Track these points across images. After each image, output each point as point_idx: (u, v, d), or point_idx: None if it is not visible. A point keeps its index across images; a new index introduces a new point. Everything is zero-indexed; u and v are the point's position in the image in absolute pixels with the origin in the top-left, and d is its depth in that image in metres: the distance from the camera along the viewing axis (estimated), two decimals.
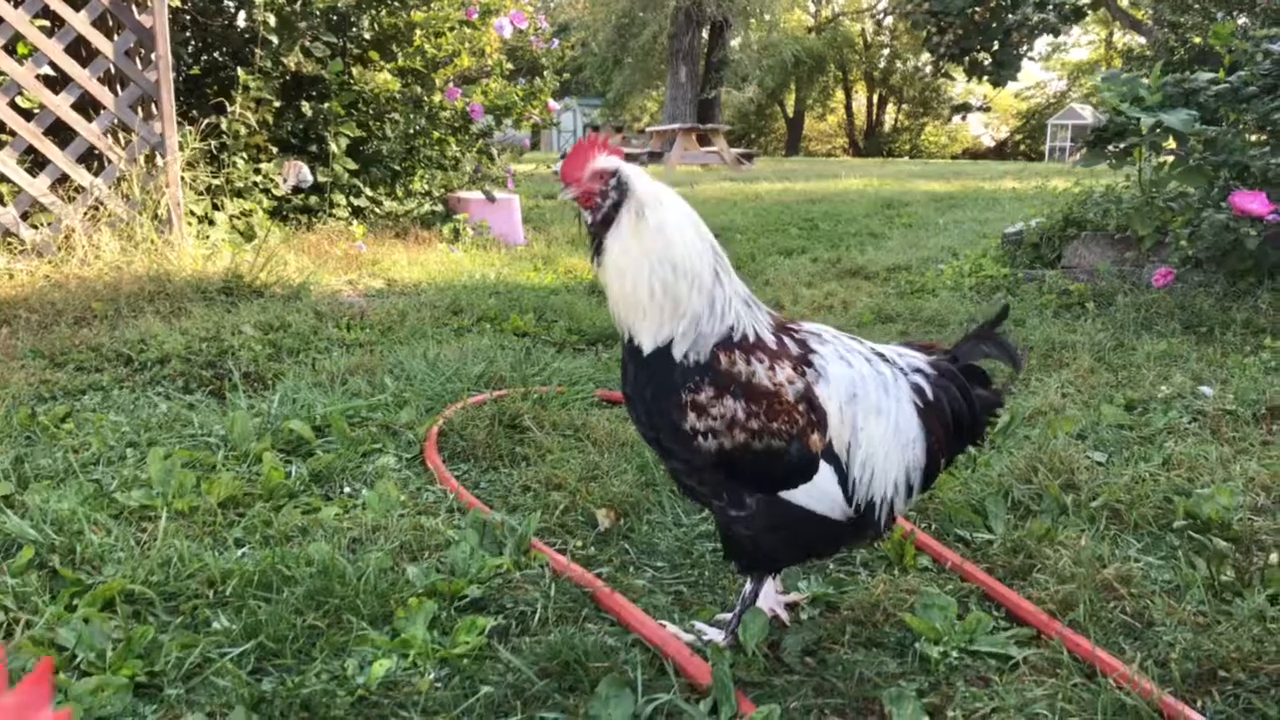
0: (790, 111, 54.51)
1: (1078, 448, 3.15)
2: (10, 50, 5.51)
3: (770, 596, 2.18)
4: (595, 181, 1.94)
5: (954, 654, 2.04)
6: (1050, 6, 17.62)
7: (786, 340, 1.97)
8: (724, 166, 22.97)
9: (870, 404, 1.96)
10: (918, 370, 2.06)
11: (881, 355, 2.05)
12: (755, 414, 1.85)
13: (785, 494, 1.92)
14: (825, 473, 1.91)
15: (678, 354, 1.88)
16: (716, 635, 2.08)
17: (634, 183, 1.94)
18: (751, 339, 1.92)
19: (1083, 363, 4.21)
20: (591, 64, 39.69)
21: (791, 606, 2.24)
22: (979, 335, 2.17)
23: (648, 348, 1.90)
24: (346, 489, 2.89)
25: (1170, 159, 5.93)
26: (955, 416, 2.05)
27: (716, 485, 1.94)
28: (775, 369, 1.89)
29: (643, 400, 1.93)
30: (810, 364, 1.94)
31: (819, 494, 1.91)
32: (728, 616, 2.16)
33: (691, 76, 33.96)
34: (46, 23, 5.73)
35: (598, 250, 1.95)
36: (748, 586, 2.11)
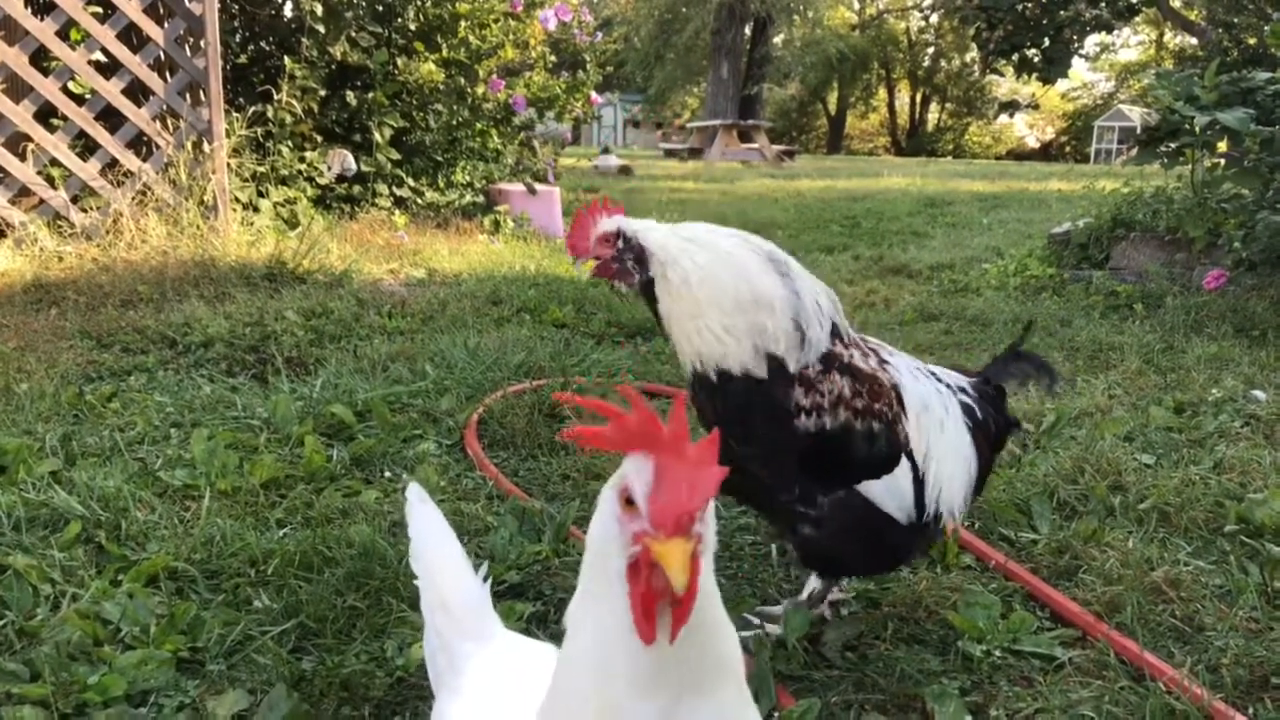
0: (832, 109, 54.18)
1: (1125, 449, 3.09)
2: (63, 36, 5.58)
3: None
4: (604, 247, 1.87)
5: (997, 653, 2.01)
6: (1103, 3, 17.36)
7: (864, 348, 1.97)
8: (765, 163, 22.88)
9: (937, 418, 1.95)
10: (963, 390, 2.06)
11: (934, 373, 2.05)
12: (860, 392, 1.84)
13: (862, 487, 1.88)
14: (905, 467, 1.90)
15: (793, 366, 1.82)
16: (775, 630, 2.06)
17: (644, 238, 1.84)
18: (846, 332, 1.91)
19: (1130, 364, 4.13)
20: (633, 59, 39.66)
21: (833, 602, 2.21)
22: (1009, 356, 2.17)
23: (761, 372, 1.81)
24: (387, 473, 2.90)
25: (1223, 160, 5.82)
26: (997, 437, 2.08)
27: (790, 478, 1.90)
28: (868, 356, 1.89)
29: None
30: (886, 370, 1.95)
31: (895, 489, 1.90)
32: (769, 609, 2.14)
33: (733, 73, 33.88)
34: (99, 9, 5.81)
35: (657, 315, 1.89)
36: (815, 584, 2.11)
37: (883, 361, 1.95)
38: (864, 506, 1.89)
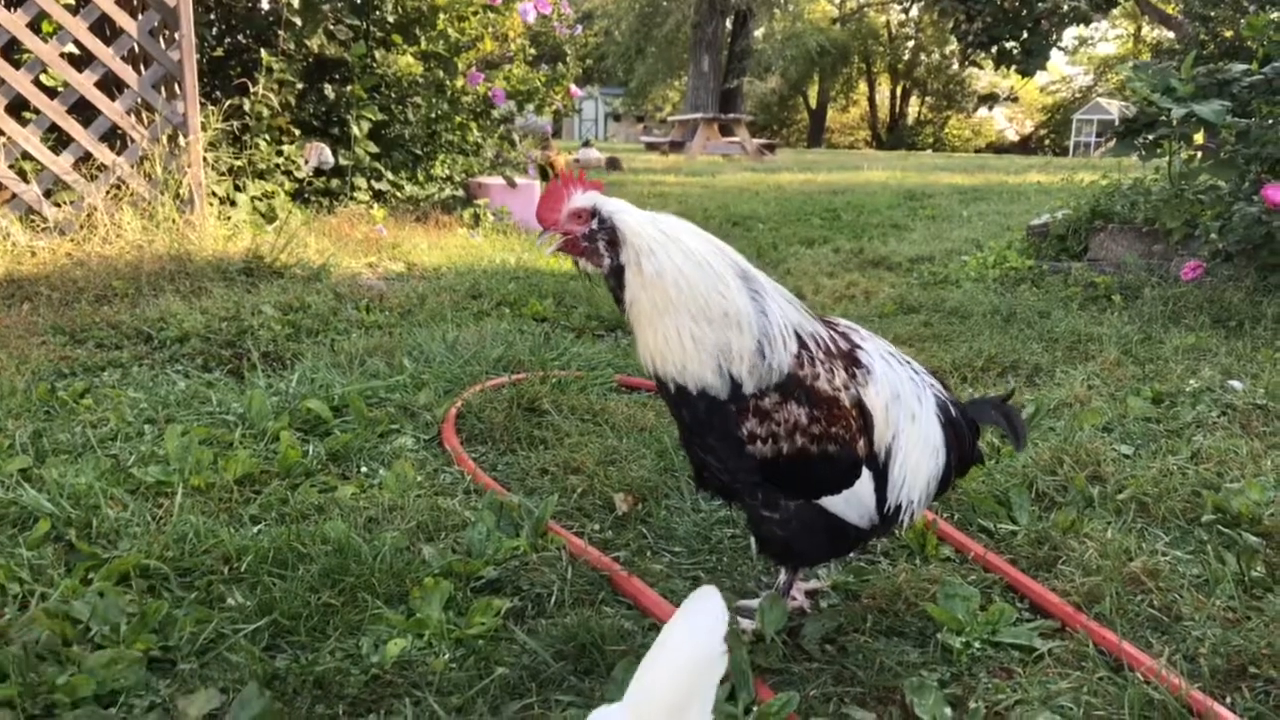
0: (813, 103, 54.26)
1: (1104, 440, 3.10)
2: (35, 28, 5.51)
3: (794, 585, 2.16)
4: (574, 223, 1.80)
5: (976, 645, 2.00)
6: None
7: (834, 335, 1.94)
8: (746, 157, 22.87)
9: (909, 407, 1.94)
10: (934, 387, 2.06)
11: (908, 361, 2.04)
12: (818, 419, 1.81)
13: (823, 500, 1.88)
14: (865, 479, 1.89)
15: (750, 388, 1.78)
16: (749, 625, 2.04)
17: (620, 221, 1.78)
18: (816, 341, 1.87)
19: (1109, 355, 4.15)
20: (614, 52, 39.60)
21: (812, 594, 2.21)
22: (992, 402, 2.17)
23: (723, 393, 1.78)
24: (363, 469, 2.88)
25: (1199, 152, 5.85)
26: (971, 439, 2.08)
27: (752, 486, 1.90)
28: (834, 372, 1.85)
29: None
30: (859, 361, 1.91)
31: (855, 501, 1.89)
32: (747, 603, 2.13)
33: (714, 66, 33.84)
34: (71, 1, 5.73)
35: (619, 301, 1.83)
36: (782, 577, 2.09)
37: (855, 346, 1.92)
38: (826, 514, 1.90)
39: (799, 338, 1.84)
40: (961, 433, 2.05)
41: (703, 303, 1.75)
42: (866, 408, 1.88)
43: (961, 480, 2.16)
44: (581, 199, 1.80)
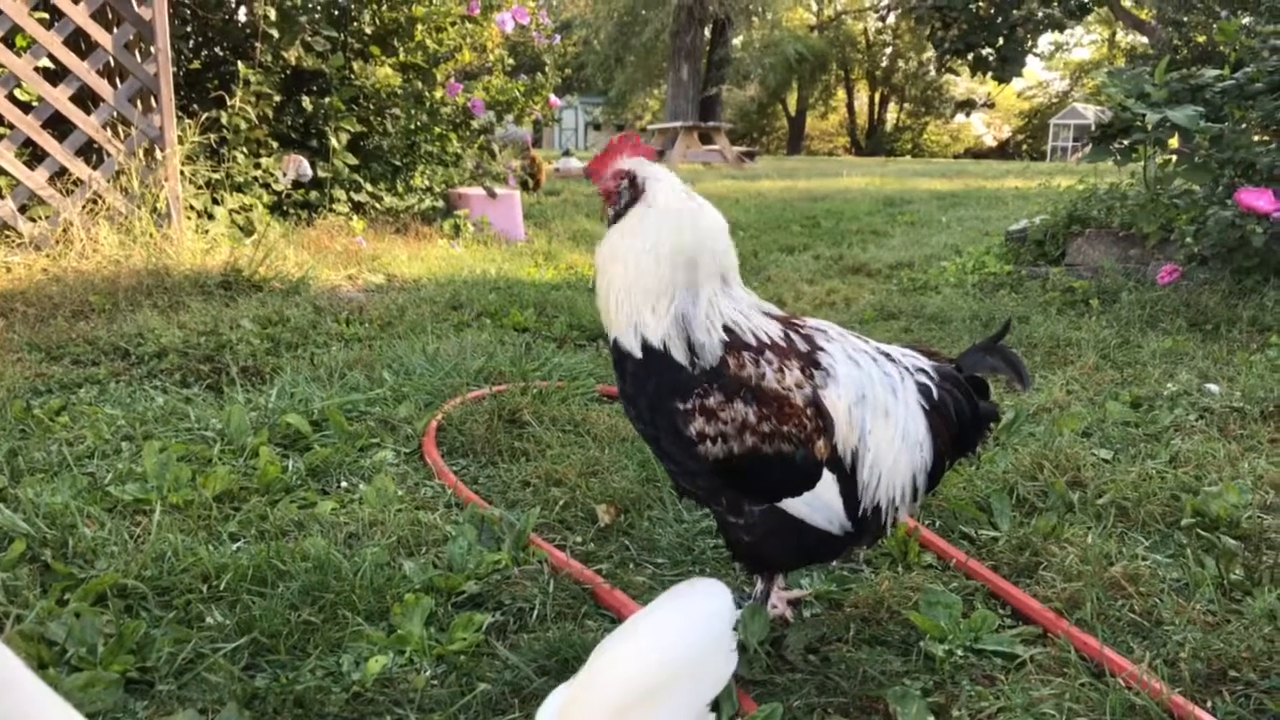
0: (792, 110, 54.47)
1: (1083, 445, 3.12)
2: (9, 43, 5.47)
3: (773, 593, 2.15)
4: (614, 180, 1.93)
5: (959, 652, 2.01)
6: (1055, 2, 17.58)
7: (794, 337, 1.92)
8: (726, 165, 22.93)
9: (879, 406, 1.91)
10: (921, 370, 2.02)
11: (887, 355, 2.01)
12: (766, 417, 1.81)
13: (785, 503, 1.88)
14: (827, 481, 1.87)
15: (679, 356, 1.83)
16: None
17: (650, 187, 1.90)
18: (758, 341, 1.87)
19: (1087, 360, 4.17)
20: (593, 62, 39.63)
21: (794, 603, 2.20)
22: (985, 347, 2.13)
23: (633, 350, 1.86)
24: (343, 484, 2.86)
25: (1174, 156, 5.90)
26: (960, 419, 2.01)
27: (714, 491, 1.90)
28: (784, 371, 1.84)
29: (645, 395, 1.88)
30: (818, 364, 1.89)
31: (819, 504, 1.87)
32: None
33: (693, 74, 33.90)
34: (45, 15, 5.70)
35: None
36: (758, 586, 2.08)
37: (813, 354, 1.91)
38: (791, 519, 1.89)
39: (731, 331, 1.85)
40: (947, 414, 1.98)
41: (633, 280, 1.86)
42: (825, 409, 1.87)
43: (965, 455, 2.12)
44: (628, 162, 1.94)
